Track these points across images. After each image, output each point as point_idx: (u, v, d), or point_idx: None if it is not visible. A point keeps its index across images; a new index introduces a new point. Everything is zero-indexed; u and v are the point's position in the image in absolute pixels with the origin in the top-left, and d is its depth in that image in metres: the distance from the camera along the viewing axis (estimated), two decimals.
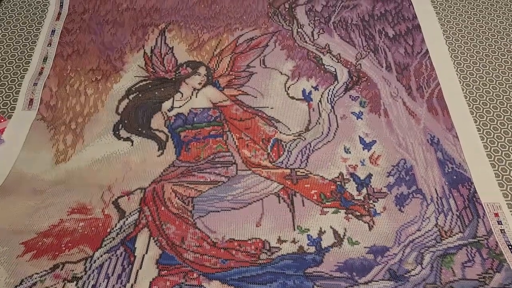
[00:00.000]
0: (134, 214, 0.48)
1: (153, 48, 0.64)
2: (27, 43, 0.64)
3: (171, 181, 0.50)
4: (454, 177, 0.52)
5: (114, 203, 0.49)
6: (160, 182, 0.50)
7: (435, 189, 0.51)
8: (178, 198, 0.49)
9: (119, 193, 0.49)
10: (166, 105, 0.58)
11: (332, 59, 0.63)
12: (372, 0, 0.70)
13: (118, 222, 0.47)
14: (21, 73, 0.61)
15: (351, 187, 0.51)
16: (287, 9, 0.69)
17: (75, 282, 0.43)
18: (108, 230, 0.47)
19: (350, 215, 0.49)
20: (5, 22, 0.67)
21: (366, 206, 0.49)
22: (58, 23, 0.66)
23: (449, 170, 0.52)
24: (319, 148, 0.54)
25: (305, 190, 0.50)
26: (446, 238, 0.47)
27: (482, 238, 0.46)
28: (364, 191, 0.51)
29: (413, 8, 0.69)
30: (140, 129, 0.55)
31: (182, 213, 0.48)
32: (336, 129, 0.56)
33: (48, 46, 0.64)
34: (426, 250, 0.46)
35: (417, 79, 0.60)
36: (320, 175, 0.52)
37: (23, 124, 0.55)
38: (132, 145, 0.54)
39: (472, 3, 0.70)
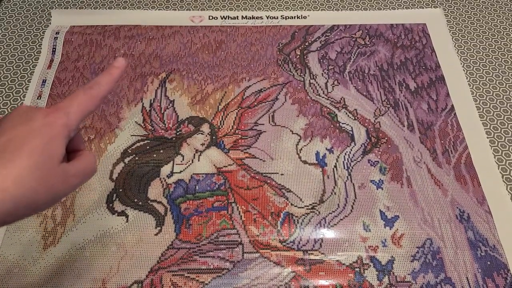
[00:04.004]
0: None
1: (152, 102, 0.59)
2: (18, 97, 0.59)
3: (170, 270, 0.45)
4: (488, 262, 0.46)
5: None
6: (158, 271, 0.45)
7: (467, 277, 0.45)
8: None
9: None
10: (165, 169, 0.53)
11: (348, 115, 0.57)
12: (390, 46, 0.64)
13: None
14: None
15: (371, 275, 0.45)
16: (298, 56, 0.63)
17: None
18: None
19: None
20: None
21: None
22: (49, 72, 0.61)
23: (482, 254, 0.47)
24: (335, 225, 0.49)
25: (319, 280, 0.45)
26: None
27: None
28: (385, 280, 0.45)
29: (436, 56, 0.63)
30: (136, 201, 0.50)
31: None
32: (354, 201, 0.50)
33: (38, 99, 0.58)
34: None
35: (442, 141, 0.55)
36: (336, 259, 0.46)
37: None
38: (127, 221, 0.49)
39: (497, 52, 0.65)
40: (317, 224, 0.49)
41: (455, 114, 0.57)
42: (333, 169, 0.53)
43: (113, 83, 0.34)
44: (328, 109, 0.58)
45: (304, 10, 0.70)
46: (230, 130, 0.56)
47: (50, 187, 0.29)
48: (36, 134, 0.29)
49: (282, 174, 0.53)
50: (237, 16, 0.69)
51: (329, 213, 0.49)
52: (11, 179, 0.26)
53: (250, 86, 0.60)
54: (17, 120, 0.30)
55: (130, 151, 0.54)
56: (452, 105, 0.58)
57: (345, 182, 0.52)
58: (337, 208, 0.50)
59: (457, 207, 0.50)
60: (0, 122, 0.30)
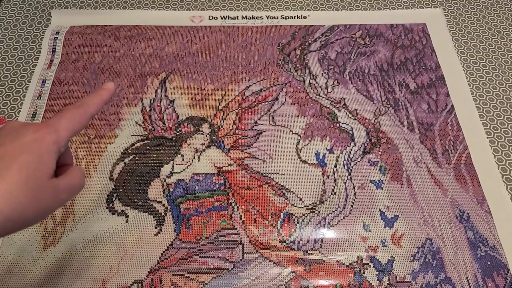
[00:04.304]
0: None
1: (152, 102, 0.59)
2: (18, 97, 0.59)
3: (170, 270, 0.45)
4: (488, 262, 0.46)
5: None
6: (158, 271, 0.45)
7: (467, 277, 0.45)
8: None
9: None
10: (165, 169, 0.53)
11: (348, 115, 0.57)
12: (390, 46, 0.64)
13: None
14: None
15: (371, 275, 0.45)
16: (298, 56, 0.63)
17: None
18: None
19: None
20: None
21: None
22: (49, 72, 0.61)
23: (482, 254, 0.47)
24: (335, 225, 0.49)
25: (319, 280, 0.45)
26: None
27: None
28: (385, 280, 0.45)
29: (436, 56, 0.63)
30: (136, 201, 0.50)
31: None
32: (354, 200, 0.50)
33: (38, 99, 0.58)
34: None
35: (442, 141, 0.55)
36: (336, 259, 0.46)
37: None
38: (127, 221, 0.48)
39: (497, 52, 0.65)
40: (317, 224, 0.49)
41: (455, 114, 0.57)
42: (333, 169, 0.53)
43: (101, 104, 0.35)
44: (328, 109, 0.58)
45: (304, 10, 0.70)
46: (230, 130, 0.56)
47: (39, 202, 0.29)
48: (26, 149, 0.29)
49: (282, 174, 0.53)
50: (237, 16, 0.69)
51: (329, 213, 0.49)
52: (0, 194, 0.27)
53: (250, 86, 0.60)
54: (7, 136, 0.30)
55: (130, 151, 0.54)
56: (452, 105, 0.58)
57: (345, 182, 0.52)
58: (337, 208, 0.50)
59: (457, 207, 0.50)
60: None
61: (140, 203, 0.50)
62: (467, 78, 0.61)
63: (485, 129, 0.56)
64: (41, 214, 0.29)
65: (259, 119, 0.57)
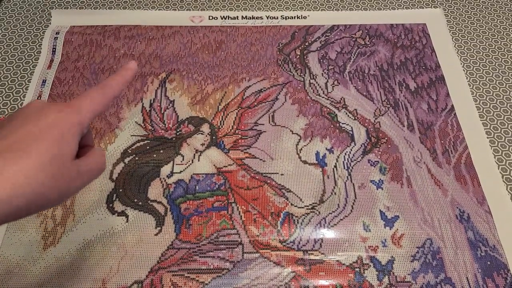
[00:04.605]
0: None
1: (152, 102, 0.59)
2: (18, 97, 0.59)
3: (170, 270, 0.45)
4: (488, 262, 0.46)
5: None
6: (158, 271, 0.45)
7: (467, 277, 0.45)
8: None
9: None
10: (165, 170, 0.53)
11: (348, 115, 0.57)
12: (390, 46, 0.64)
13: None
14: None
15: (371, 275, 0.45)
16: (298, 56, 0.63)
17: None
18: None
19: None
20: None
21: None
22: (49, 72, 0.61)
23: (482, 254, 0.47)
24: (335, 225, 0.49)
25: (319, 280, 0.45)
26: None
27: None
28: (385, 280, 0.45)
29: (436, 56, 0.63)
30: (136, 201, 0.50)
31: None
32: (354, 201, 0.50)
33: (38, 99, 0.58)
34: None
35: (442, 141, 0.55)
36: (336, 259, 0.46)
37: None
38: (127, 221, 0.48)
39: (497, 52, 0.65)
40: (317, 224, 0.49)
41: (455, 114, 0.57)
42: (333, 169, 0.53)
43: (124, 84, 0.34)
44: (328, 109, 0.58)
45: (304, 10, 0.70)
46: (230, 130, 0.56)
47: (61, 184, 0.28)
48: (48, 130, 0.28)
49: (282, 174, 0.53)
50: (237, 16, 0.69)
51: (329, 213, 0.49)
52: (24, 175, 0.26)
53: (250, 86, 0.60)
54: (30, 115, 0.29)
55: (130, 151, 0.54)
56: (452, 105, 0.58)
57: (345, 182, 0.52)
58: (337, 208, 0.50)
59: (457, 207, 0.50)
60: (12, 117, 0.30)
61: (140, 203, 0.50)
62: (467, 78, 0.61)
63: (485, 129, 0.56)
64: (63, 196, 0.29)
65: (259, 119, 0.57)
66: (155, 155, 0.54)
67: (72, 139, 0.29)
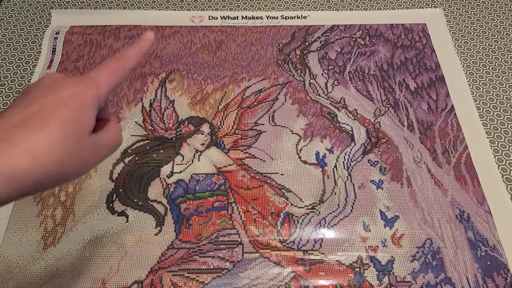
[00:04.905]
0: None
1: (152, 102, 0.59)
2: (18, 97, 0.59)
3: (170, 270, 0.45)
4: (488, 262, 0.46)
5: None
6: (158, 271, 0.45)
7: (467, 277, 0.45)
8: None
9: None
10: (165, 170, 0.53)
11: (348, 115, 0.57)
12: (390, 46, 0.64)
13: None
14: None
15: (371, 275, 0.45)
16: (298, 56, 0.63)
17: None
18: None
19: None
20: None
21: None
22: (49, 72, 0.61)
23: (482, 254, 0.47)
24: (335, 225, 0.49)
25: (319, 280, 0.45)
26: None
27: None
28: (385, 280, 0.45)
29: (436, 56, 0.63)
30: (136, 201, 0.50)
31: None
32: (354, 200, 0.50)
33: None
34: None
35: (442, 141, 0.55)
36: (336, 259, 0.46)
37: None
38: (127, 221, 0.48)
39: (497, 52, 0.65)
40: (317, 224, 0.49)
41: (455, 114, 0.57)
42: (333, 169, 0.53)
43: (141, 55, 0.33)
44: (328, 109, 0.58)
45: (304, 10, 0.70)
46: (230, 130, 0.56)
47: (79, 158, 0.28)
48: (66, 103, 0.28)
49: (282, 174, 0.53)
50: (237, 16, 0.69)
51: (329, 213, 0.49)
52: (42, 148, 0.25)
53: (250, 86, 0.60)
54: (47, 88, 0.29)
55: (130, 151, 0.54)
56: (452, 105, 0.58)
57: (345, 182, 0.52)
58: (337, 208, 0.50)
59: (457, 207, 0.50)
60: (28, 89, 0.29)
61: (140, 203, 0.50)
62: (467, 78, 0.61)
63: (485, 129, 0.56)
64: (80, 170, 0.28)
65: (259, 119, 0.57)
66: (155, 155, 0.54)
67: (89, 113, 0.29)
